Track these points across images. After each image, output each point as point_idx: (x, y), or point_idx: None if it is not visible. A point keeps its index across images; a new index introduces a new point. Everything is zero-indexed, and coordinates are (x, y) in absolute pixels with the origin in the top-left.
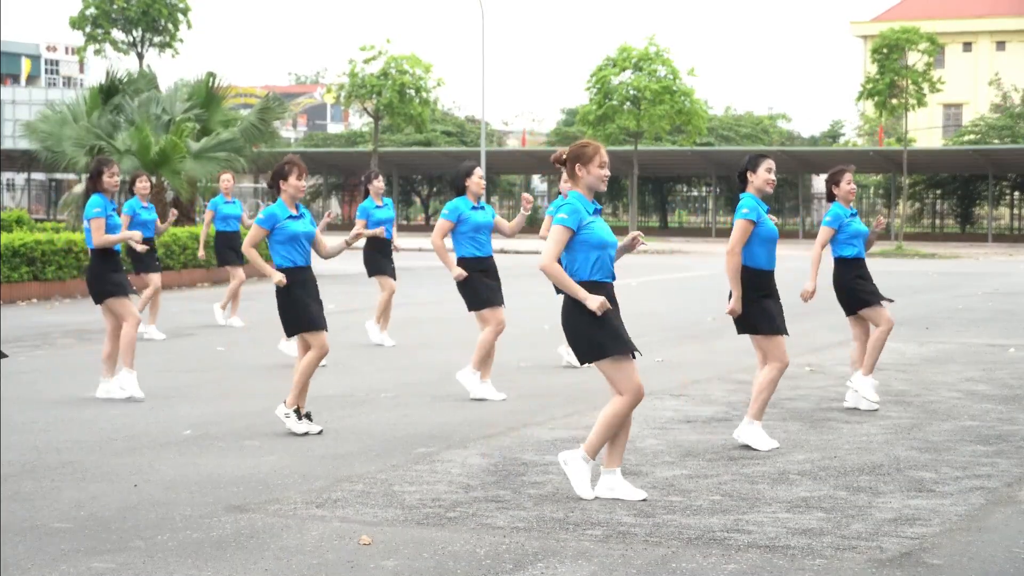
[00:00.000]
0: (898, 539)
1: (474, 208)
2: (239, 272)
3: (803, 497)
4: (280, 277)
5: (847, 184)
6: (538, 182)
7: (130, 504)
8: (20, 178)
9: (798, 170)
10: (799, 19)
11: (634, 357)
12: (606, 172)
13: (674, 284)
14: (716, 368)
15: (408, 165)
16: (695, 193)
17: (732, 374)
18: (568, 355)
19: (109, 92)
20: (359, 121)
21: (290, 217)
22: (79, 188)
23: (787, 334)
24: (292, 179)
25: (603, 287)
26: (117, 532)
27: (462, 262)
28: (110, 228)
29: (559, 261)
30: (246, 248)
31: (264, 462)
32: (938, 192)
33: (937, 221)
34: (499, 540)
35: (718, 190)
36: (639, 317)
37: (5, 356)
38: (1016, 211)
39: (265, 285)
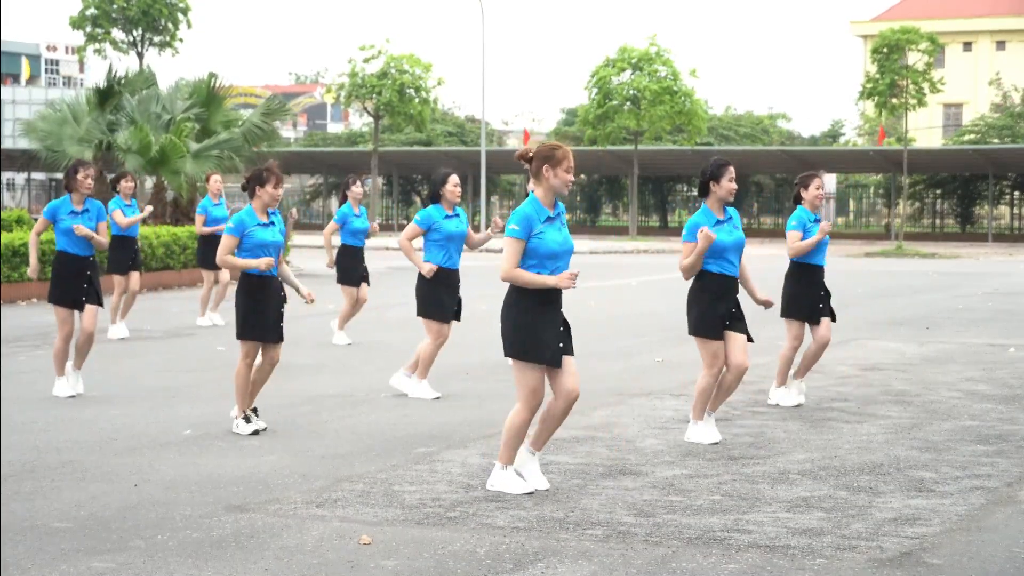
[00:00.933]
0: (898, 539)
1: (448, 217)
2: (210, 276)
3: (803, 497)
4: (266, 262)
5: (816, 189)
6: None
7: (130, 504)
8: (20, 178)
9: (798, 170)
10: (799, 19)
11: (554, 364)
12: (571, 178)
13: (674, 284)
14: None
15: (408, 165)
16: (695, 193)
17: None
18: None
19: (105, 94)
20: (359, 121)
21: (259, 224)
22: None
23: (719, 339)
24: (268, 187)
25: (548, 292)
26: (117, 532)
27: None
28: (63, 231)
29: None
30: (221, 259)
31: (264, 462)
32: (938, 192)
33: (937, 221)
34: (499, 540)
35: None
36: (639, 317)
37: None
38: (1016, 211)
39: None
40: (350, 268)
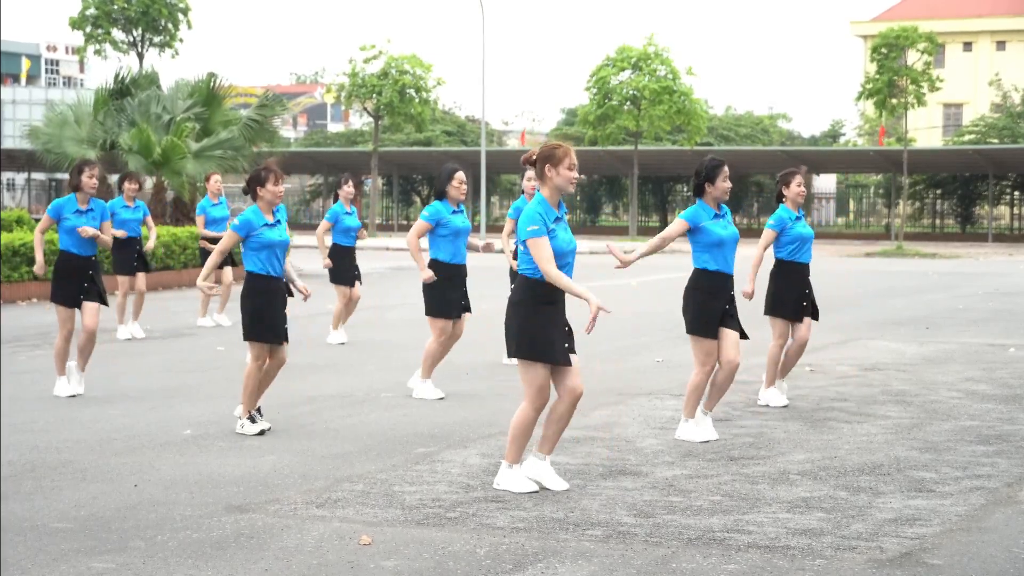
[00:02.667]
0: (898, 539)
1: (455, 212)
2: (220, 274)
3: (803, 497)
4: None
5: (797, 187)
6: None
7: (130, 504)
8: (20, 178)
9: None
10: (799, 19)
11: (564, 363)
12: (575, 175)
13: (674, 284)
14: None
15: (408, 165)
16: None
17: None
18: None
19: (121, 92)
20: (359, 121)
21: (266, 225)
22: None
23: (713, 338)
24: (269, 185)
25: (554, 292)
26: (117, 532)
27: (434, 264)
28: (66, 230)
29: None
30: (214, 256)
31: (264, 462)
32: (938, 192)
33: (937, 221)
34: (499, 540)
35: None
36: (639, 317)
37: None
38: (1016, 211)
39: None
40: (342, 267)
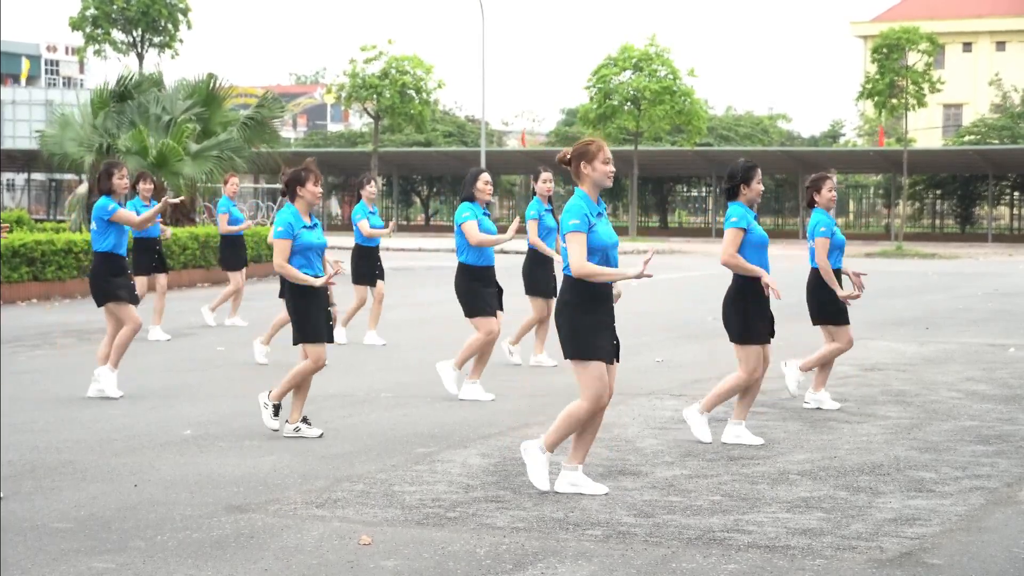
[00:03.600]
0: (898, 539)
1: (485, 214)
2: (237, 277)
3: (803, 497)
4: (322, 280)
5: (828, 191)
6: None
7: (130, 504)
8: (20, 178)
9: (798, 170)
10: (799, 19)
11: (614, 361)
12: (611, 168)
13: (674, 284)
14: (716, 368)
15: (408, 165)
16: (695, 193)
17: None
18: (510, 355)
19: (121, 96)
20: (359, 121)
21: (305, 227)
22: (83, 189)
23: (766, 342)
24: (309, 185)
25: (602, 287)
26: (117, 532)
27: (464, 268)
28: (116, 231)
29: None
30: (281, 266)
31: (264, 462)
32: (938, 192)
33: (937, 221)
34: (499, 540)
35: (718, 190)
36: (639, 317)
37: None
38: (1016, 211)
39: (267, 284)
40: (365, 268)
